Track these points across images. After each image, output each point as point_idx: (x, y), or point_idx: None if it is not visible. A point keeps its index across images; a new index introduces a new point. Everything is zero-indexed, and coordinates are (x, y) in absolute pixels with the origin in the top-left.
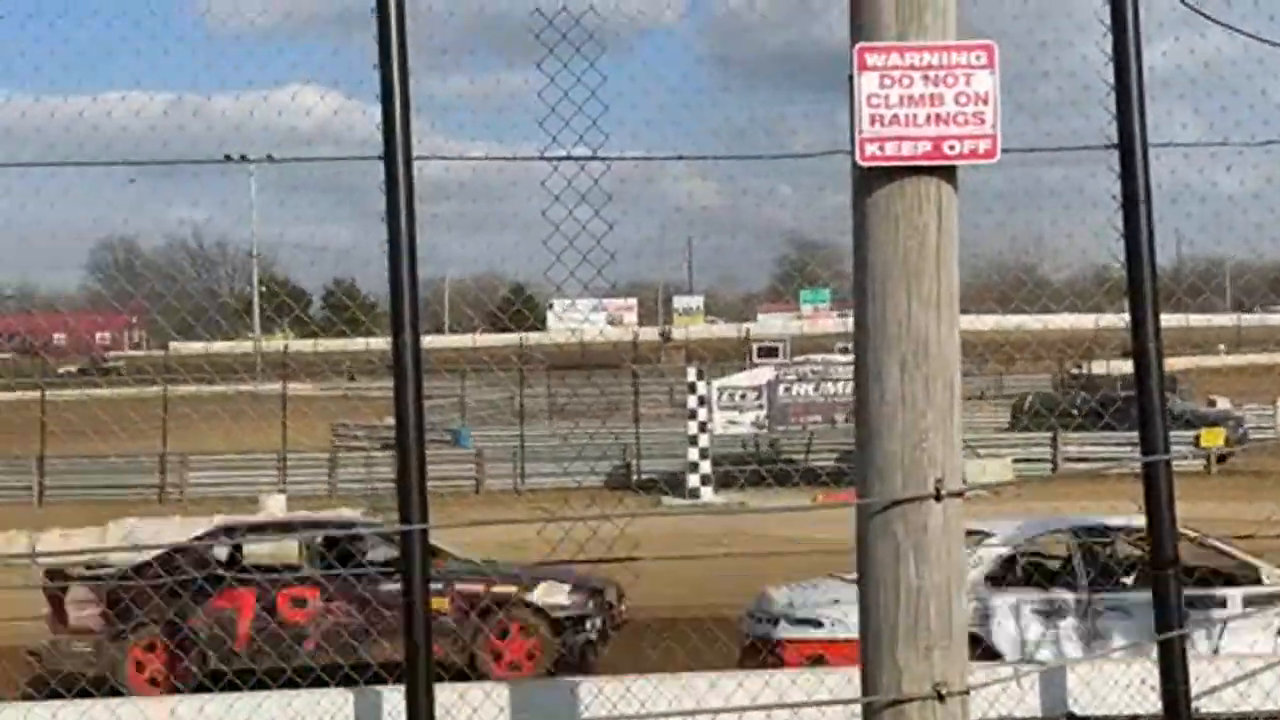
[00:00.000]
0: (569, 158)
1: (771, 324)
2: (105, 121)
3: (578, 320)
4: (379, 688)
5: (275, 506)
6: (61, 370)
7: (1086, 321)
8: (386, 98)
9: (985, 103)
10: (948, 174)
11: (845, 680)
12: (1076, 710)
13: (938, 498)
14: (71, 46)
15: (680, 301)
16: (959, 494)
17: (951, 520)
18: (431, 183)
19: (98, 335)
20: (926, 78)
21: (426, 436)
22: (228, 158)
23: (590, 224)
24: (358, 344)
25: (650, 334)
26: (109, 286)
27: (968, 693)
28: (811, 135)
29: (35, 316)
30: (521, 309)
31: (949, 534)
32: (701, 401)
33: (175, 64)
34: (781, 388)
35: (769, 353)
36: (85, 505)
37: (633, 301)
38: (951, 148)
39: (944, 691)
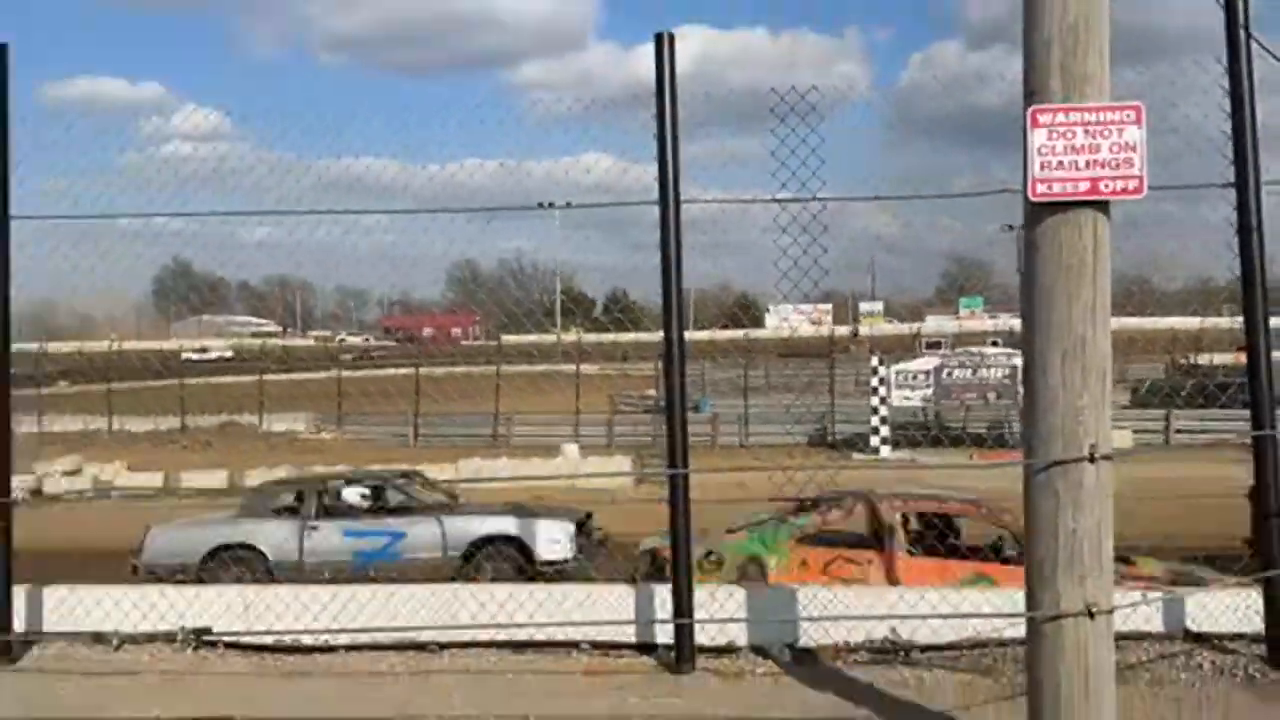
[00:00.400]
0: (794, 199)
1: (936, 323)
2: (457, 179)
3: (788, 320)
4: (654, 584)
5: (571, 452)
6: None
7: (1191, 322)
8: (662, 158)
9: (1134, 150)
10: (1102, 207)
11: (1010, 599)
12: (1192, 628)
13: (1091, 460)
14: (429, 130)
15: (865, 306)
16: (1108, 457)
17: (1102, 478)
18: (683, 221)
19: (453, 330)
20: (1086, 131)
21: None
22: (539, 204)
23: (802, 248)
24: (627, 336)
25: (842, 331)
26: (460, 295)
27: (1112, 612)
28: (968, 178)
29: (413, 317)
30: (746, 311)
31: (1100, 488)
32: (882, 381)
33: (505, 140)
34: (945, 372)
35: (934, 345)
36: (444, 448)
37: (829, 306)
38: (1106, 186)
39: (1094, 610)
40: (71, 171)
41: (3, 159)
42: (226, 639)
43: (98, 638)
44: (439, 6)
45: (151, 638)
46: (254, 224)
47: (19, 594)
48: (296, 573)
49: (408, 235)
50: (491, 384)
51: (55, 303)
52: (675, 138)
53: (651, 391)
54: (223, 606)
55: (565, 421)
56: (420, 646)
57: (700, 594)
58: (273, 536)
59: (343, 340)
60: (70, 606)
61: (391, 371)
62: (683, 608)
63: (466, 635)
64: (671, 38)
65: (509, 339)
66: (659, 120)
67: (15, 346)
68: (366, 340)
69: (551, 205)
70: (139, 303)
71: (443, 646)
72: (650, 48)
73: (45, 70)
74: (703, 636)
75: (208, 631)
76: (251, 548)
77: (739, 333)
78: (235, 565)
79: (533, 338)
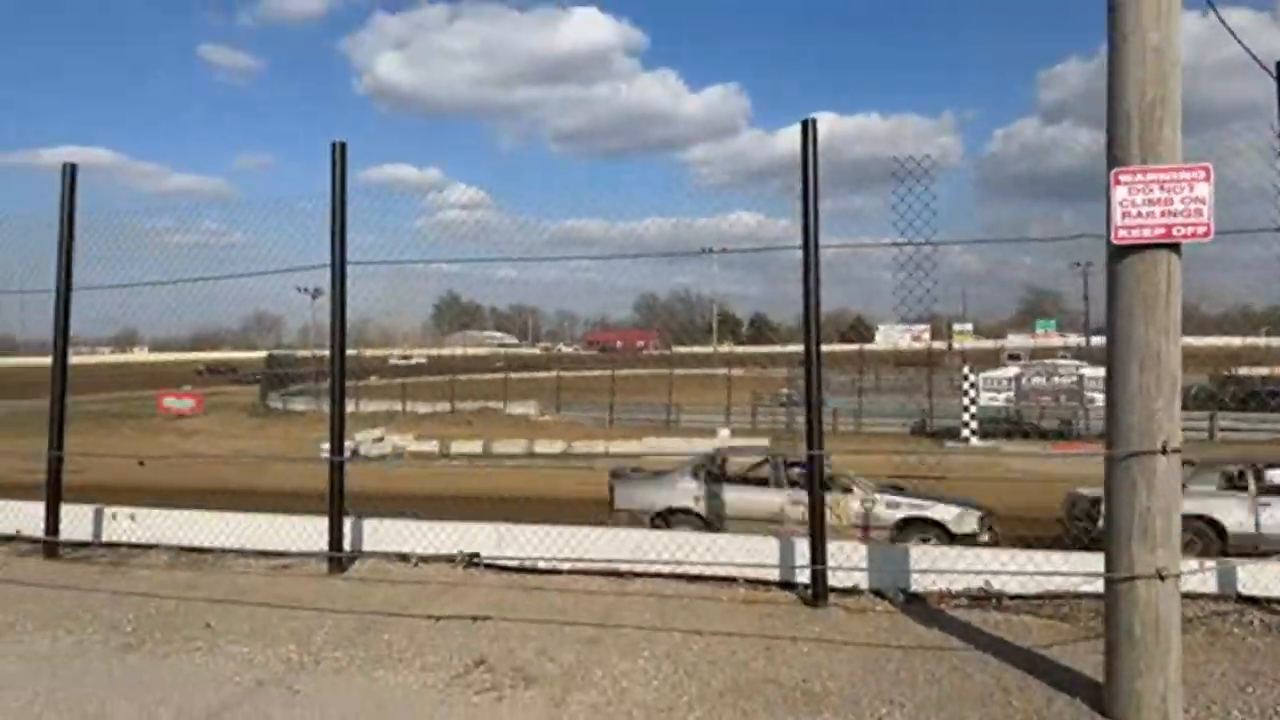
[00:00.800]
0: (910, 243)
1: (1016, 341)
2: (641, 233)
3: (894, 337)
4: (795, 539)
5: (724, 433)
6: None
7: (1233, 341)
8: (805, 212)
9: (1203, 202)
10: (1175, 248)
11: (1084, 560)
12: (1244, 591)
13: (1163, 452)
14: (622, 197)
15: (958, 326)
16: (1177, 450)
17: (1171, 466)
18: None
19: (638, 343)
20: (1161, 187)
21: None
22: (702, 250)
23: (904, 280)
24: (767, 349)
25: (939, 346)
26: (643, 317)
27: (1179, 576)
28: (1041, 225)
29: (608, 333)
30: (858, 330)
31: (1170, 475)
32: (972, 385)
33: (676, 203)
34: (1024, 379)
35: (1015, 358)
36: (631, 428)
37: (927, 326)
38: (1178, 231)
39: (1163, 574)
40: (383, 230)
41: (342, 224)
42: (487, 561)
43: (402, 557)
44: (632, 108)
45: (437, 558)
46: (502, 267)
47: (346, 524)
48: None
49: (607, 275)
50: (665, 383)
51: (368, 321)
52: (816, 196)
53: (785, 390)
54: (485, 537)
55: (719, 411)
56: (619, 574)
57: (831, 546)
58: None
59: (560, 350)
60: (380, 534)
61: (593, 373)
62: (818, 557)
63: (653, 568)
64: (814, 122)
65: (679, 349)
66: (804, 183)
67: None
68: (576, 350)
69: (711, 250)
70: (424, 323)
71: (636, 575)
72: (791, 130)
73: (361, 161)
74: (833, 580)
75: (477, 556)
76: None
77: (854, 346)
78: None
79: (696, 349)
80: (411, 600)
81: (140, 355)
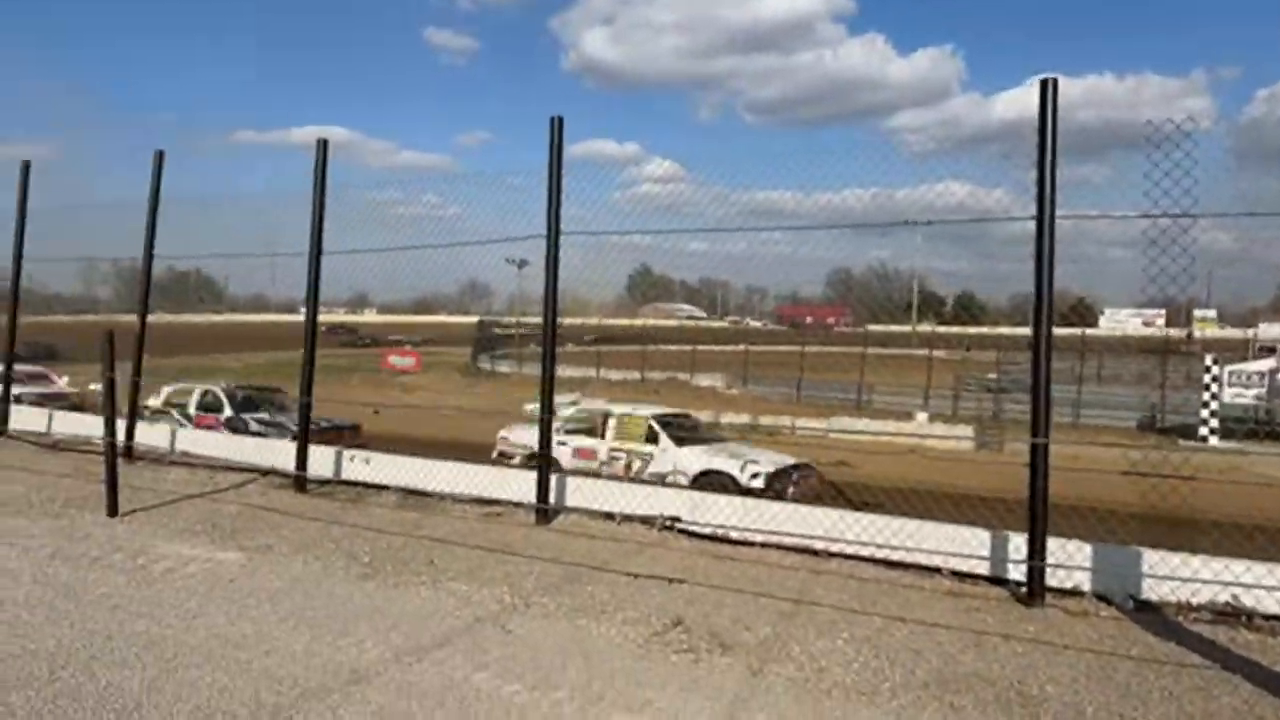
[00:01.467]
0: (1164, 215)
1: (1271, 330)
2: (837, 205)
3: (1121, 321)
4: (1008, 529)
5: (921, 418)
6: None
7: None
8: (1040, 180)
9: None
10: None
11: None
12: None
13: None
14: (819, 168)
15: (1199, 312)
16: None
17: None
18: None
19: (828, 319)
20: None
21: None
22: (905, 222)
23: (1153, 259)
24: (973, 330)
25: (1175, 333)
26: (835, 293)
27: None
28: None
29: (797, 308)
30: (1079, 312)
31: None
32: (1215, 379)
33: (877, 171)
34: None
35: (1270, 350)
36: (818, 406)
37: (1162, 311)
38: None
39: None
40: (583, 203)
41: (558, 195)
42: (681, 526)
43: (607, 515)
44: (835, 75)
45: (632, 519)
46: (693, 239)
47: (552, 479)
48: None
49: (799, 248)
50: (857, 361)
51: (563, 291)
52: (1054, 163)
53: (993, 375)
54: (680, 503)
55: (917, 394)
56: (814, 552)
57: (1052, 543)
58: None
59: (748, 324)
60: (582, 491)
61: (781, 348)
62: (1036, 551)
63: (850, 549)
64: (1055, 82)
65: (873, 327)
66: (1040, 148)
67: (538, 320)
68: (765, 325)
69: (915, 223)
70: (618, 295)
71: (831, 554)
72: (1010, 94)
73: (566, 136)
74: (1051, 579)
75: (677, 520)
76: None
77: (1075, 330)
78: None
79: (892, 327)
80: (611, 557)
81: (369, 317)
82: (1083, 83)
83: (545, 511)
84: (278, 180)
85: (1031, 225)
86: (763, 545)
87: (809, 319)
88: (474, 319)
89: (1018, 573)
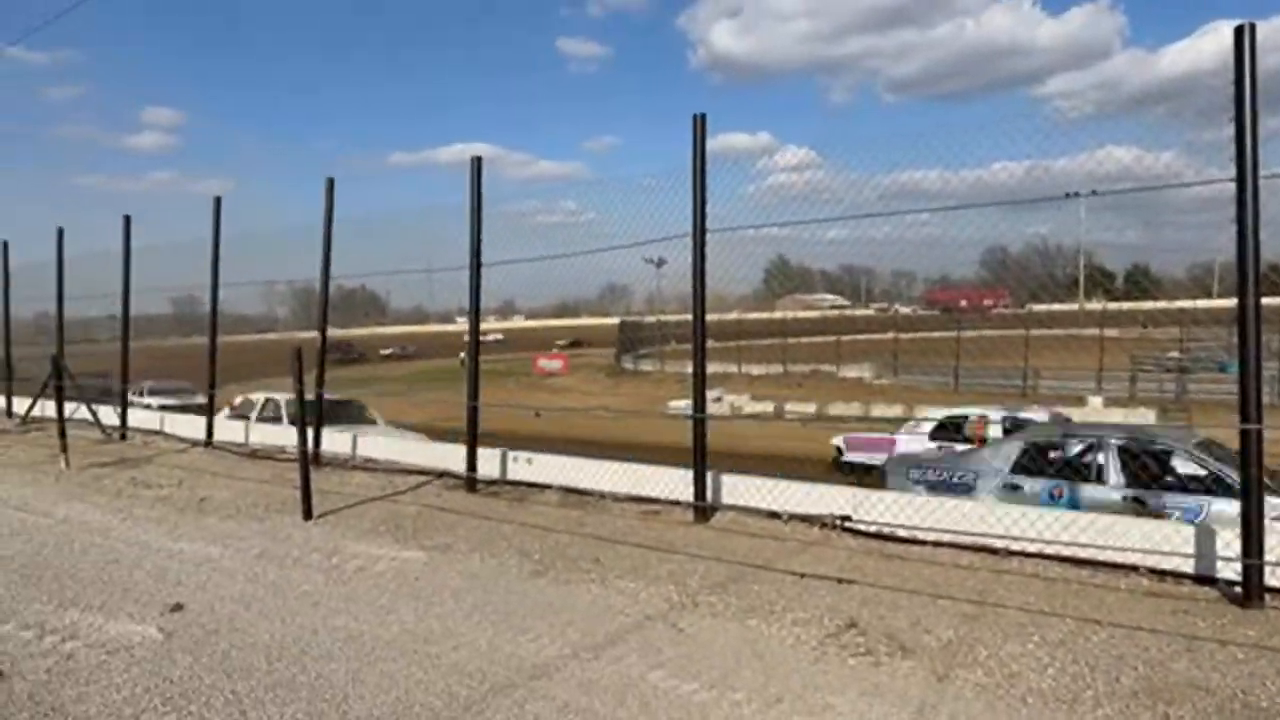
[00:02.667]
0: None
1: None
2: (987, 180)
3: None
4: (1215, 525)
5: (1095, 403)
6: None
7: None
8: (1240, 135)
9: None
10: None
11: None
12: None
13: None
14: (966, 144)
15: None
16: None
17: None
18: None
19: (985, 301)
20: None
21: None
22: (1066, 194)
23: None
24: (1146, 306)
25: None
26: (991, 274)
27: None
28: None
29: (949, 292)
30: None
31: None
32: None
33: (1034, 143)
34: None
35: None
36: (978, 395)
37: None
38: None
39: None
40: (715, 199)
41: (702, 192)
42: (844, 524)
43: (772, 514)
44: (979, 44)
45: (796, 517)
46: (831, 227)
47: (708, 477)
48: None
49: (947, 228)
50: (1018, 345)
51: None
52: (1255, 116)
53: (1174, 354)
54: (841, 500)
55: (1087, 377)
56: (992, 551)
57: (1271, 539)
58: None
59: (896, 311)
60: (738, 489)
61: (933, 335)
62: (1253, 549)
63: (1033, 547)
64: (1251, 27)
65: (1035, 308)
66: (1237, 101)
67: (678, 318)
68: (914, 311)
69: (1077, 194)
70: (754, 288)
71: (1011, 553)
72: (1180, 46)
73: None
74: (1271, 578)
75: (848, 519)
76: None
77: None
78: None
79: (1056, 306)
80: (774, 555)
81: (518, 323)
82: (1271, 25)
83: (703, 509)
84: (428, 197)
85: (1230, 187)
86: (933, 544)
87: (963, 302)
88: (613, 320)
89: (1230, 571)
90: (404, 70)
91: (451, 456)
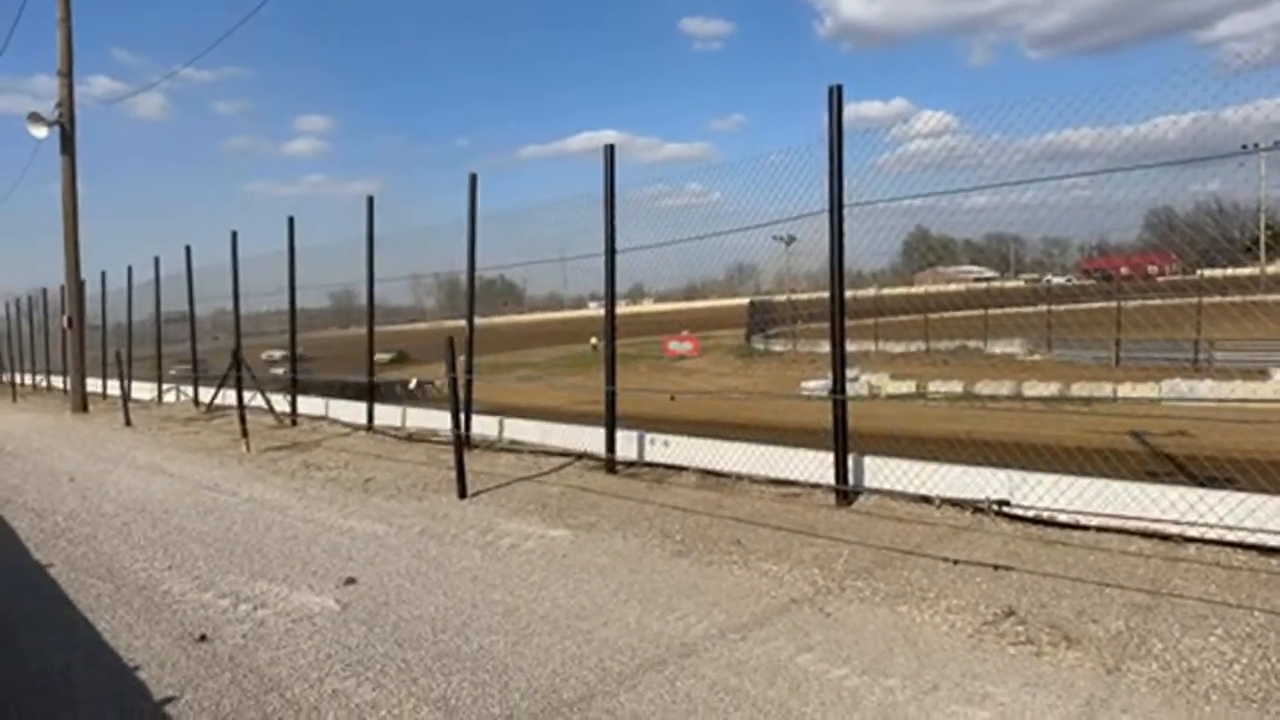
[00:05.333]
0: None
1: None
2: (1149, 137)
3: None
4: None
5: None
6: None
7: None
8: None
9: None
10: None
11: None
12: None
13: None
14: (1122, 99)
15: None
16: None
17: None
18: None
19: (1148, 268)
20: None
21: None
22: (1244, 147)
23: None
24: None
25: None
26: (1156, 237)
27: None
28: None
29: (1109, 259)
30: None
31: None
32: None
33: (1197, 91)
34: None
35: None
36: (1142, 370)
37: None
38: None
39: None
40: (852, 171)
41: (839, 166)
42: (1000, 509)
43: (921, 498)
44: None
45: (950, 502)
46: (973, 195)
47: (849, 459)
48: None
49: (1106, 191)
50: (1187, 315)
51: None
52: None
53: None
54: (995, 483)
55: (1271, 348)
56: (1165, 537)
57: None
58: None
59: (1048, 281)
60: (882, 471)
61: (1091, 306)
62: None
63: (1213, 533)
64: None
65: (1208, 273)
66: None
67: (810, 297)
68: (1068, 280)
69: (1257, 148)
70: (892, 261)
71: (1187, 540)
72: None
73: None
74: None
75: (1005, 503)
76: None
77: None
78: None
79: (1233, 271)
80: (923, 540)
81: (646, 307)
82: None
83: (845, 493)
84: (560, 187)
85: None
86: (1097, 529)
87: (1123, 269)
88: (742, 301)
89: None
90: (534, 67)
91: (591, 438)
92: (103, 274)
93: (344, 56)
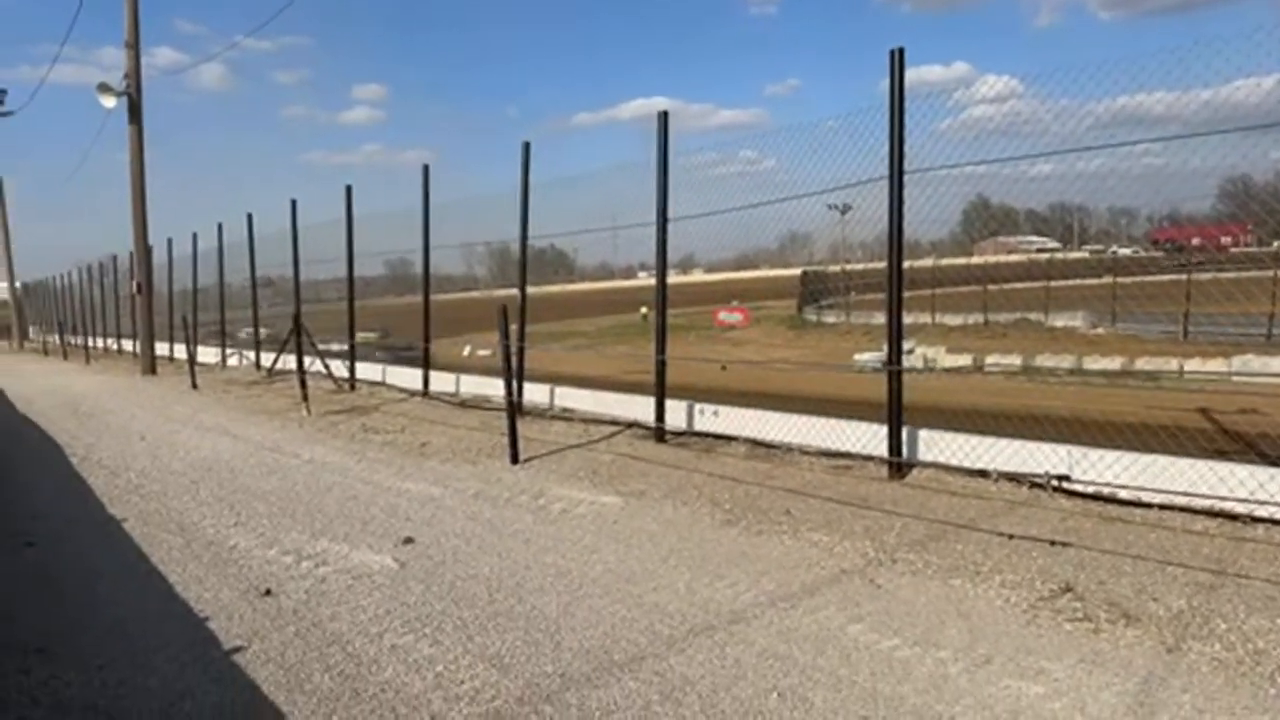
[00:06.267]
0: None
1: None
2: (1230, 100)
3: None
4: None
5: None
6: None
7: None
8: None
9: None
10: None
11: None
12: None
13: None
14: (1198, 63)
15: None
16: None
17: None
18: None
19: (1222, 239)
20: None
21: None
22: None
23: None
24: None
25: None
26: (1232, 207)
27: None
28: None
29: (1180, 229)
30: None
31: None
32: None
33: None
34: None
35: None
36: (1212, 345)
37: None
38: None
39: None
40: (911, 136)
41: (900, 132)
42: (1057, 484)
43: (977, 472)
44: None
45: (1006, 476)
46: (1037, 162)
47: (903, 432)
48: None
49: (1178, 158)
50: (1263, 287)
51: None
52: None
53: None
54: (1055, 458)
55: None
56: (1232, 516)
57: None
58: None
59: (1114, 253)
60: (936, 445)
61: (1160, 279)
62: None
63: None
64: None
65: None
66: None
67: (864, 267)
68: (1136, 252)
69: None
70: (950, 230)
71: (1255, 519)
72: None
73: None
74: None
75: (1066, 478)
76: None
77: None
78: None
79: None
80: (978, 515)
81: (696, 277)
82: None
83: (898, 465)
84: (611, 154)
85: None
86: (1160, 507)
87: (1195, 240)
88: (794, 271)
89: None
90: (586, 33)
91: (641, 407)
92: (169, 241)
93: (400, 26)
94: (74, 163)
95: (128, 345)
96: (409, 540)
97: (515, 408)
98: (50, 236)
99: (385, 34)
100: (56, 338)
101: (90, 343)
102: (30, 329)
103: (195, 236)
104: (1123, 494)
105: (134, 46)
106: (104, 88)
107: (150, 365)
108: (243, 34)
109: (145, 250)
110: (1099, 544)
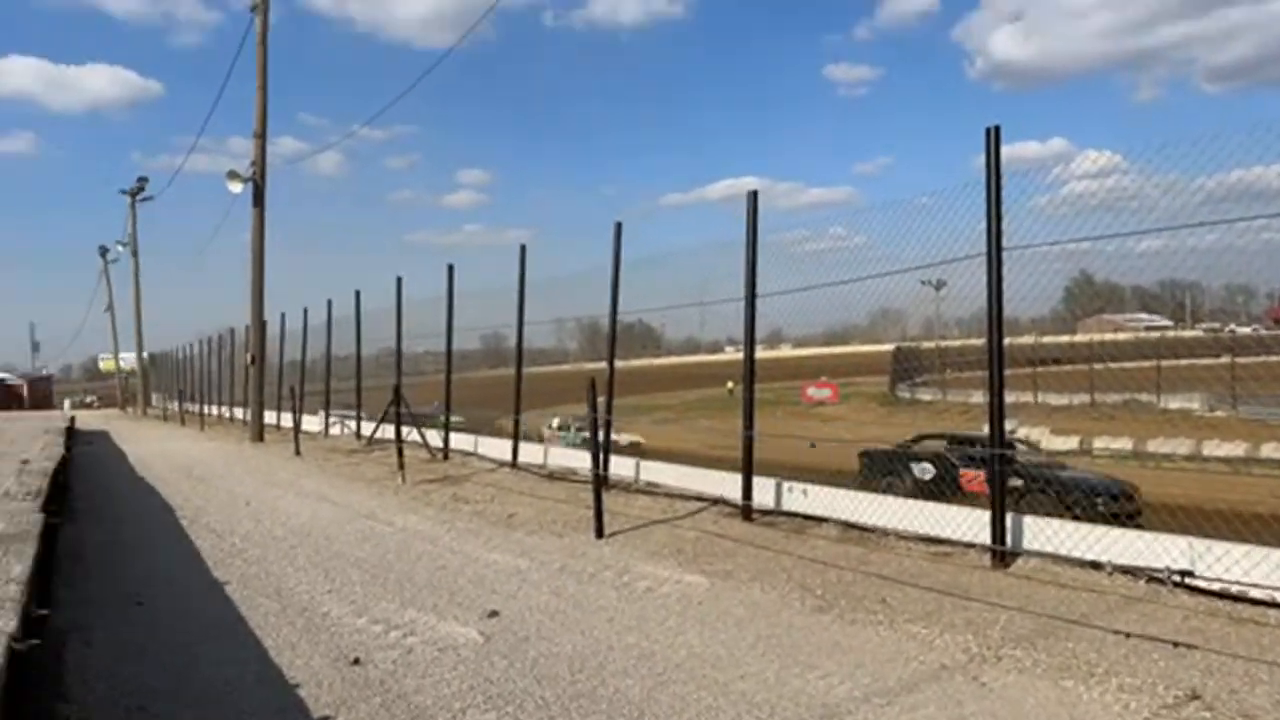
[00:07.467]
0: None
1: None
2: None
3: None
4: None
5: None
6: None
7: None
8: None
9: None
10: None
11: None
12: None
13: None
14: None
15: None
16: None
17: None
18: None
19: None
20: None
21: None
22: None
23: None
24: None
25: None
26: None
27: None
28: None
29: None
30: None
31: None
32: None
33: None
34: None
35: None
36: None
37: None
38: None
39: None
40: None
41: (998, 208)
42: (1180, 580)
43: (1091, 564)
44: None
45: (1120, 569)
46: (1143, 238)
47: (1008, 518)
48: None
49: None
50: None
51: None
52: None
53: None
54: (1175, 551)
55: None
56: None
57: None
58: None
59: (1232, 331)
60: (1043, 533)
61: None
62: None
63: None
64: None
65: None
66: None
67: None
68: (1255, 330)
69: None
70: (1053, 307)
71: None
72: None
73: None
74: None
75: (1190, 574)
76: None
77: None
78: None
79: None
80: (1090, 610)
81: (784, 352)
82: None
83: (1001, 554)
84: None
85: None
86: None
87: None
88: (884, 347)
89: None
90: (676, 114)
91: (727, 483)
92: (282, 315)
93: (502, 113)
94: (198, 242)
95: (239, 413)
96: (494, 613)
97: (601, 480)
98: (173, 311)
99: (490, 123)
100: (176, 405)
101: (206, 410)
102: (153, 396)
103: (306, 312)
104: (1254, 593)
105: (261, 137)
106: (232, 174)
107: (259, 433)
108: (358, 124)
109: (261, 325)
110: (1229, 648)
